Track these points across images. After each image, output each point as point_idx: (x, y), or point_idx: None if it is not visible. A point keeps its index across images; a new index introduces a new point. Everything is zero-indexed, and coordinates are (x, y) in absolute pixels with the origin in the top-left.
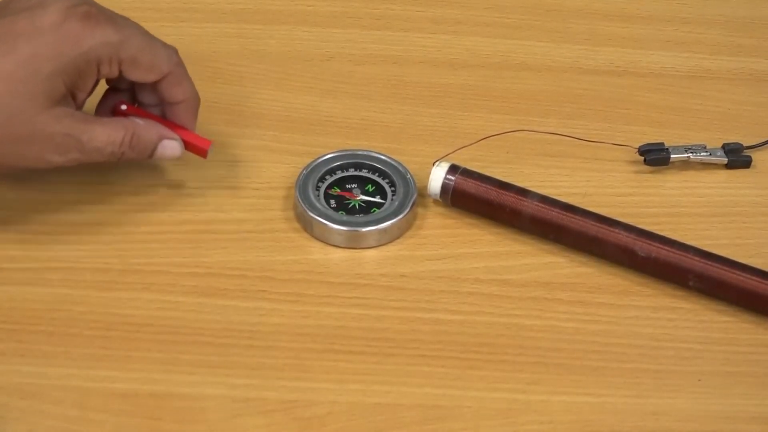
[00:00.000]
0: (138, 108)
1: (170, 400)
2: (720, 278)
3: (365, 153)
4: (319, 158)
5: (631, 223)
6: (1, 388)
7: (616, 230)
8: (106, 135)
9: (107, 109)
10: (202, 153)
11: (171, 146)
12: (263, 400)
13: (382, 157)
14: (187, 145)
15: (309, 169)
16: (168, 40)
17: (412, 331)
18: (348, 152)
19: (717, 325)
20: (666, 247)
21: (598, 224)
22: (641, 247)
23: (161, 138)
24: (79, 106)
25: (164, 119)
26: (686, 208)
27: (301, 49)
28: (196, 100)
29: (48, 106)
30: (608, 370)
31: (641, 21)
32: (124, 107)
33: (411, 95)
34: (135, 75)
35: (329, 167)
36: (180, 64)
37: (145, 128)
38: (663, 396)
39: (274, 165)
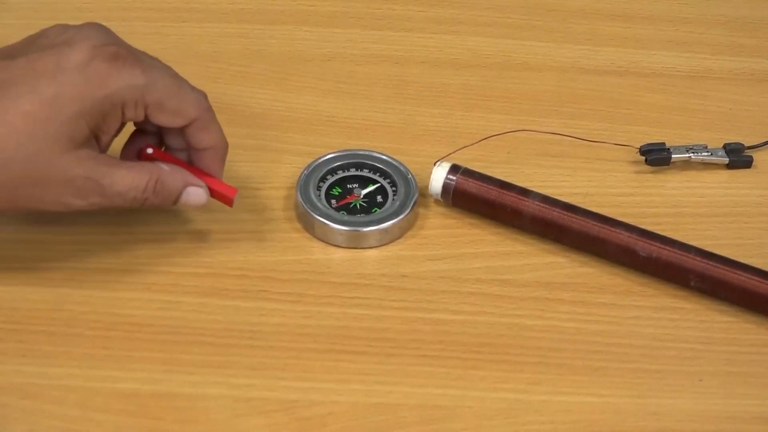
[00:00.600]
0: (164, 152)
1: (171, 400)
2: (721, 278)
3: (366, 153)
4: (320, 158)
5: (632, 223)
6: (2, 388)
7: (618, 230)
8: (130, 179)
9: (133, 151)
10: (227, 201)
11: (196, 193)
12: (264, 400)
13: (384, 157)
14: (213, 193)
15: (310, 169)
16: (169, 40)
17: (413, 331)
18: (349, 152)
19: (718, 325)
20: (667, 248)
21: (599, 224)
22: (642, 247)
23: (186, 185)
24: (104, 149)
25: (190, 165)
26: (687, 208)
27: (302, 49)
28: (224, 146)
29: (70, 149)
30: (610, 370)
31: (642, 21)
32: (150, 151)
33: (412, 95)
34: (161, 119)
35: (330, 167)
36: (209, 109)
37: (170, 174)
38: (664, 396)
39: (275, 165)
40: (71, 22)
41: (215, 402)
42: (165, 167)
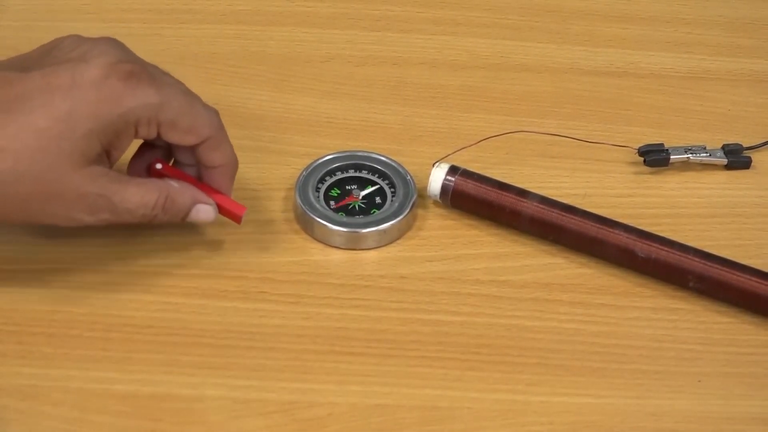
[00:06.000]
0: (173, 168)
1: (170, 401)
2: (720, 279)
3: (365, 154)
4: (318, 159)
5: (631, 224)
6: (1, 389)
7: (616, 231)
8: (140, 197)
9: (142, 166)
10: (236, 219)
11: (205, 210)
12: (263, 402)
13: (382, 158)
14: (221, 210)
15: (309, 170)
16: (168, 42)
17: (412, 332)
18: (348, 153)
19: (717, 326)
20: (666, 248)
21: (598, 225)
22: (641, 248)
23: (195, 202)
24: (112, 164)
25: (199, 182)
26: (686, 209)
27: (301, 51)
28: (234, 165)
29: (83, 165)
30: (608, 371)
31: (641, 22)
32: (159, 166)
33: (411, 96)
34: (174, 138)
35: (329, 168)
36: (221, 128)
37: (180, 191)
38: (663, 397)
39: (274, 166)
40: (69, 25)
41: (214, 403)
42: (175, 184)
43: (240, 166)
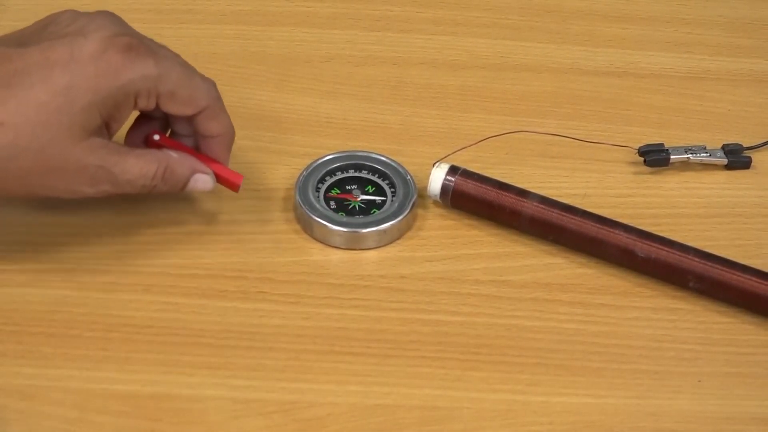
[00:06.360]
0: (171, 139)
1: (170, 401)
2: (720, 279)
3: (365, 154)
4: (318, 159)
5: (630, 224)
6: (1, 389)
7: (616, 231)
8: (139, 168)
9: (139, 137)
10: (233, 187)
11: (203, 180)
12: (263, 402)
13: (382, 158)
14: (219, 179)
15: (309, 170)
16: (168, 42)
17: (411, 332)
18: (348, 153)
19: (717, 326)
20: (666, 248)
21: (597, 225)
22: (641, 248)
23: (194, 172)
24: (111, 136)
25: (197, 151)
26: (686, 209)
27: (301, 51)
28: (231, 134)
29: (82, 138)
30: (608, 371)
31: (641, 22)
32: (157, 137)
33: (411, 96)
34: (172, 108)
35: (329, 168)
36: (218, 98)
37: (179, 162)
38: (663, 397)
39: (274, 166)
40: None
41: (214, 403)
42: (173, 155)
43: (240, 166)
